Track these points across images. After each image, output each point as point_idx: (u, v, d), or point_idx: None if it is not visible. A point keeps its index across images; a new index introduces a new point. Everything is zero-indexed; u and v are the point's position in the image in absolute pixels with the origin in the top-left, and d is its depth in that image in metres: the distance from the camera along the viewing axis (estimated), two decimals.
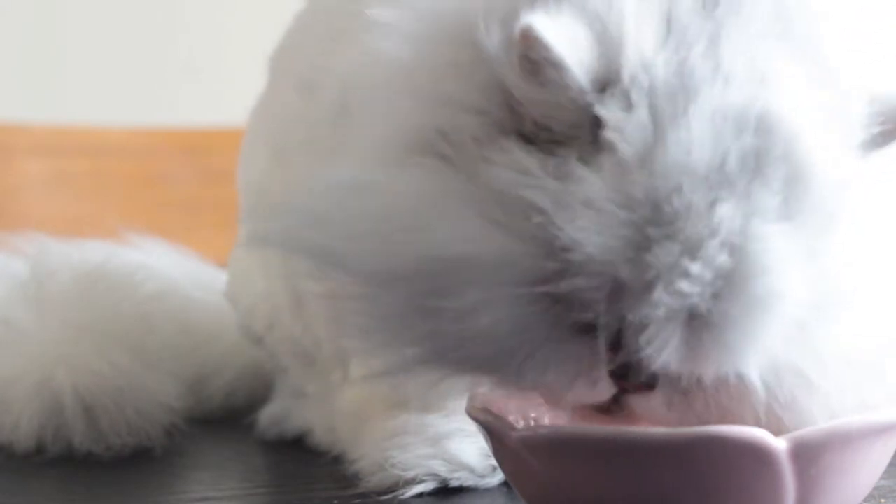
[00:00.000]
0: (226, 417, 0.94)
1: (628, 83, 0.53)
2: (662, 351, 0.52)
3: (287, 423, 0.85)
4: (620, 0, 0.54)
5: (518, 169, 0.53)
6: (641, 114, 0.52)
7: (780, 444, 0.53)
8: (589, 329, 0.53)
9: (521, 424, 0.60)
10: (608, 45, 0.53)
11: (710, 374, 0.53)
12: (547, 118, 0.54)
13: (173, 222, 1.43)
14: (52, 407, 0.84)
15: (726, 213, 0.51)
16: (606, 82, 0.53)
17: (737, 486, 0.53)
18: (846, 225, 0.53)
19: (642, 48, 0.53)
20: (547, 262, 0.52)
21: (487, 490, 0.69)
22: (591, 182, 0.52)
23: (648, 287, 0.51)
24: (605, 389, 0.55)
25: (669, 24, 0.54)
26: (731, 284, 0.51)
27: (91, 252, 0.95)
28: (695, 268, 0.51)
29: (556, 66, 0.53)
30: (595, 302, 0.52)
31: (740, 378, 0.53)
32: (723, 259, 0.51)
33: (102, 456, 0.83)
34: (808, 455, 0.53)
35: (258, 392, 0.92)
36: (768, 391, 0.54)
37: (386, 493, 0.68)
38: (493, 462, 0.68)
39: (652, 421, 0.56)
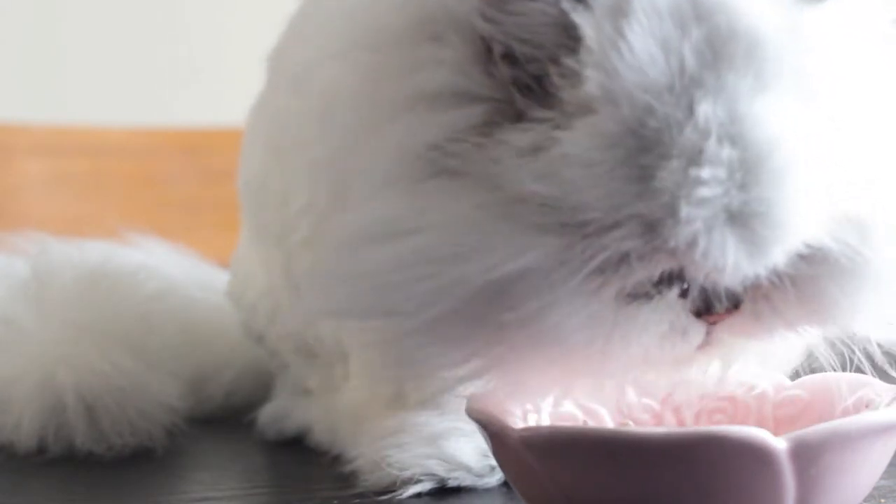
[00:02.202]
0: (226, 417, 0.94)
1: None
2: (724, 259, 0.52)
3: (287, 421, 0.85)
4: None
5: (518, 156, 0.54)
6: (604, 31, 0.53)
7: (780, 444, 0.53)
8: (653, 287, 0.54)
9: (520, 424, 0.60)
10: None
11: (780, 259, 0.53)
12: (525, 47, 0.55)
13: (173, 222, 1.43)
14: (54, 407, 0.84)
15: (708, 109, 0.52)
16: None
17: (737, 486, 0.53)
18: (819, 69, 0.54)
19: None
20: (584, 243, 0.53)
21: (486, 490, 0.69)
22: (575, 138, 0.53)
23: (672, 210, 0.52)
24: (696, 332, 0.56)
25: None
26: (750, 170, 0.52)
27: (92, 252, 0.95)
28: (705, 172, 0.51)
29: None
30: (637, 252, 0.53)
31: (812, 249, 0.54)
32: (727, 152, 0.51)
33: (103, 456, 0.83)
34: (808, 455, 0.53)
35: (259, 392, 0.92)
36: (842, 246, 0.55)
37: (384, 492, 0.68)
38: (491, 462, 0.68)
39: (743, 336, 0.57)
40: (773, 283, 0.55)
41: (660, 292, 0.55)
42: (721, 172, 0.51)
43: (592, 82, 0.53)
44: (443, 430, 0.70)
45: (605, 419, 0.63)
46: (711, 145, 0.51)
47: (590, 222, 0.53)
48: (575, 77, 0.54)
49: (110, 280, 0.92)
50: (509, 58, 0.55)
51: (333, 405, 0.79)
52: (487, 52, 0.56)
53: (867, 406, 0.60)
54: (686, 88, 0.52)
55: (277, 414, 0.87)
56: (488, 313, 0.55)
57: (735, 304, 0.56)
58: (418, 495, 0.68)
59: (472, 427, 0.61)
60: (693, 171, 0.51)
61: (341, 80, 0.61)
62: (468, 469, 0.69)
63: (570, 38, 0.54)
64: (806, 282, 0.56)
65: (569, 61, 0.54)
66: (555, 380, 0.58)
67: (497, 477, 0.69)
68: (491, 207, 0.54)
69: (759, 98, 0.52)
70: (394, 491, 0.68)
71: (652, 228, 0.52)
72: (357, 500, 0.68)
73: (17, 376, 0.85)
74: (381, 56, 0.58)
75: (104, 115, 1.64)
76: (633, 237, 0.53)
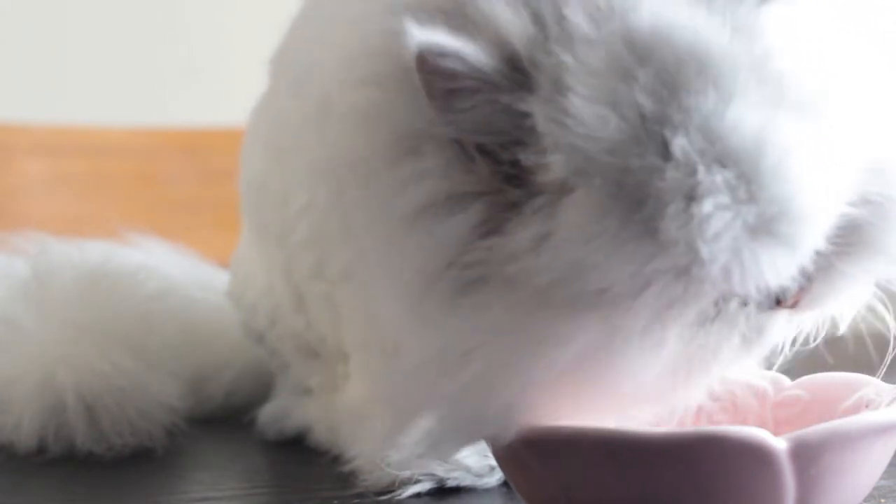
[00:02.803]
0: (226, 417, 0.94)
1: (529, 67, 0.53)
2: (763, 273, 0.51)
3: (287, 420, 0.85)
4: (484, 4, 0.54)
5: (527, 251, 0.53)
6: (549, 112, 0.52)
7: (780, 444, 0.53)
8: (712, 309, 0.54)
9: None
10: (489, 39, 0.54)
11: (819, 243, 0.53)
12: (488, 136, 0.54)
13: (173, 222, 1.43)
14: (54, 407, 0.84)
15: (683, 143, 0.51)
16: (511, 62, 0.53)
17: (737, 486, 0.53)
18: (786, 58, 0.53)
19: (521, 43, 0.53)
20: (623, 306, 0.52)
21: (486, 490, 0.69)
22: (565, 221, 0.52)
23: (692, 255, 0.51)
24: (777, 321, 0.56)
25: (524, 4, 0.54)
26: (750, 180, 0.51)
27: (92, 252, 0.95)
28: (707, 205, 0.50)
29: (457, 56, 0.53)
30: (678, 295, 0.52)
31: (844, 218, 0.54)
32: (720, 176, 0.51)
33: (103, 456, 0.83)
34: (808, 455, 0.53)
35: (258, 392, 0.92)
36: (873, 209, 0.54)
37: (384, 492, 0.68)
38: (491, 462, 0.68)
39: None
40: (826, 258, 0.55)
41: (721, 310, 0.54)
42: (723, 198, 0.51)
43: (557, 164, 0.52)
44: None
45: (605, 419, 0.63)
46: (701, 175, 0.50)
47: (619, 290, 0.52)
48: (542, 162, 0.53)
49: (110, 280, 0.92)
50: (484, 151, 0.55)
51: (333, 405, 0.79)
52: (463, 152, 0.55)
53: (867, 406, 0.60)
54: (652, 132, 0.51)
55: (277, 414, 0.87)
56: (567, 400, 0.55)
57: (803, 285, 0.55)
58: (418, 495, 0.68)
59: None
60: (695, 209, 0.50)
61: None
62: (467, 469, 0.69)
63: (523, 121, 0.53)
64: (855, 239, 0.55)
65: (530, 150, 0.53)
66: (647, 416, 0.58)
67: (496, 477, 0.69)
68: (523, 304, 0.54)
69: (727, 110, 0.51)
70: (393, 491, 0.68)
71: (682, 274, 0.51)
72: (357, 500, 0.68)
73: (17, 376, 0.86)
74: (369, 183, 0.58)
75: (104, 115, 1.64)
76: (668, 287, 0.52)
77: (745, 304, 0.55)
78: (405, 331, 0.57)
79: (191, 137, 1.59)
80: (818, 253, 0.54)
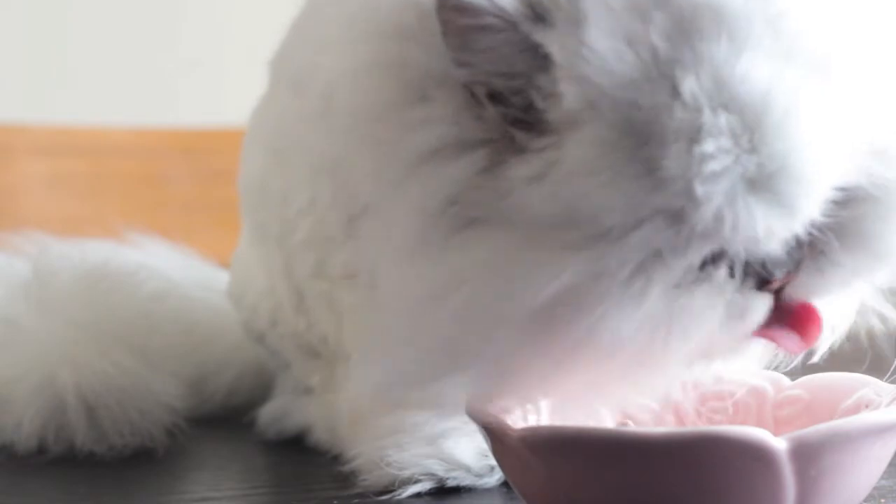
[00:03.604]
0: (226, 417, 0.94)
1: (549, 3, 0.53)
2: (755, 227, 0.52)
3: (287, 420, 0.85)
4: None
5: (526, 185, 0.54)
6: (567, 44, 0.53)
7: (780, 444, 0.53)
8: (699, 272, 0.54)
9: (520, 424, 0.60)
10: None
11: (813, 211, 0.53)
12: (502, 78, 0.55)
13: (173, 222, 1.43)
14: (55, 406, 0.84)
15: (692, 84, 0.51)
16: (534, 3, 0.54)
17: (737, 486, 0.53)
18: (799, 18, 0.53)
19: None
20: (613, 249, 0.52)
21: (486, 490, 0.69)
22: (572, 154, 0.53)
23: (688, 194, 0.51)
24: (759, 306, 0.56)
25: None
26: (753, 130, 0.51)
27: (92, 252, 0.95)
28: (709, 146, 0.51)
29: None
30: (669, 242, 0.52)
31: (845, 191, 0.53)
32: (724, 119, 0.51)
33: (104, 456, 0.83)
34: (808, 455, 0.53)
35: (259, 392, 0.92)
36: (873, 179, 0.54)
37: (384, 492, 0.68)
38: (491, 461, 0.68)
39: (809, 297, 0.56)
40: (820, 235, 0.54)
41: (708, 275, 0.54)
42: (725, 141, 0.51)
43: (569, 96, 0.53)
44: (442, 430, 0.70)
45: (606, 419, 0.63)
46: (707, 117, 0.51)
47: (612, 228, 0.52)
48: (554, 95, 0.54)
49: (110, 280, 0.92)
50: (494, 96, 0.55)
51: (333, 405, 0.79)
52: (473, 98, 0.56)
53: (867, 406, 0.60)
54: (664, 73, 0.52)
55: (277, 413, 0.87)
56: (545, 340, 0.55)
57: (795, 265, 0.55)
58: (417, 495, 0.68)
59: (471, 427, 0.61)
60: (697, 149, 0.51)
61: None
62: (467, 469, 0.69)
63: (540, 58, 0.54)
64: (853, 226, 0.55)
65: (544, 81, 0.54)
66: (620, 391, 0.58)
67: (496, 477, 0.69)
68: (515, 242, 0.54)
69: (739, 60, 0.52)
70: (393, 490, 0.68)
71: (675, 218, 0.52)
72: (357, 500, 0.68)
73: (17, 376, 0.86)
74: (377, 126, 0.58)
75: (104, 115, 1.64)
76: (660, 231, 0.52)
77: (732, 275, 0.55)
78: (400, 272, 0.58)
79: (191, 137, 1.59)
80: (813, 225, 0.54)
